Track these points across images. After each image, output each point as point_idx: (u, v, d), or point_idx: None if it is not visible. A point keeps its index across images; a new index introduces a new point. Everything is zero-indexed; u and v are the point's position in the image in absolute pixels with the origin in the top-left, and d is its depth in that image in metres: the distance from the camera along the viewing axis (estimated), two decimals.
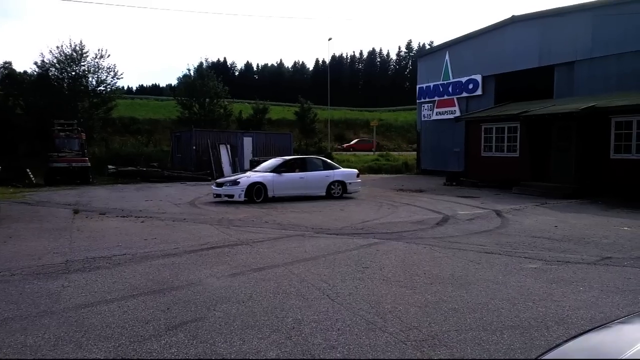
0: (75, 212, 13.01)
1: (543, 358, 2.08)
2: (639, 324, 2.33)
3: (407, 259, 7.50)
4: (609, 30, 19.97)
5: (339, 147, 48.93)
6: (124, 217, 12.09)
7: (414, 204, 14.94)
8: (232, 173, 28.19)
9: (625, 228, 10.31)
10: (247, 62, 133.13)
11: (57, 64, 34.25)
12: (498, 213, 12.66)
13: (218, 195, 15.68)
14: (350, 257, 7.63)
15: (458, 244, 8.66)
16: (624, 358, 1.86)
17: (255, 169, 17.38)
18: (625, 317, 2.48)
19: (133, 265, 7.09)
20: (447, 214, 12.46)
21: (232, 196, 15.16)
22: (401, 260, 7.36)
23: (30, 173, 23.06)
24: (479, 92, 26.33)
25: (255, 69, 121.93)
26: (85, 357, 3.95)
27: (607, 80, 19.82)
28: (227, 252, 7.98)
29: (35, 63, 35.05)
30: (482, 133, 21.30)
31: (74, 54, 34.27)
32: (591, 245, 8.51)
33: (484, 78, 26.07)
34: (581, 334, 2.34)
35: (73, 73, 34.41)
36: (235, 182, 15.40)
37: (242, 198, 15.05)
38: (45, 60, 34.26)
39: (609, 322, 2.46)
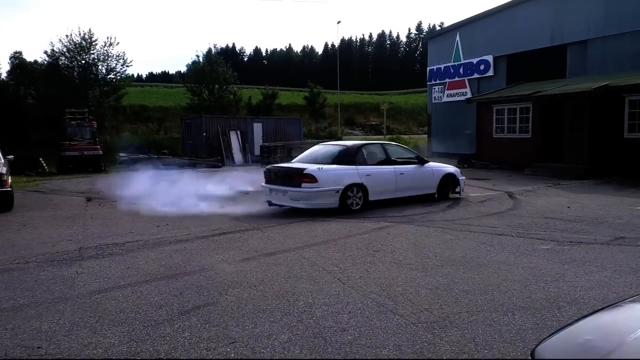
0: (88, 199, 13.14)
1: (552, 338, 2.07)
2: None
3: (418, 241, 7.49)
4: (622, 8, 19.54)
5: (350, 131, 48.80)
6: (135, 204, 12.16)
7: None
8: (243, 160, 28.22)
9: (639, 208, 10.20)
10: (256, 47, 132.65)
11: (66, 53, 34.37)
12: (510, 195, 12.57)
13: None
14: (361, 240, 7.64)
15: (469, 226, 8.62)
16: (635, 336, 1.84)
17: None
18: (637, 296, 2.46)
19: (145, 251, 7.16)
20: (459, 196, 12.40)
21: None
22: (412, 243, 7.36)
23: (43, 162, 23.32)
24: (490, 72, 25.98)
25: (264, 54, 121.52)
26: (91, 355, 4.01)
27: (621, 58, 19.44)
28: (238, 238, 8.03)
29: (45, 52, 35.29)
30: (494, 114, 21.09)
31: (83, 42, 34.35)
32: (604, 226, 8.44)
33: (495, 59, 25.71)
34: (592, 313, 2.33)
35: (83, 61, 34.52)
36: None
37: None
38: (55, 49, 34.42)
39: (620, 301, 2.45)
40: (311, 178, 9.80)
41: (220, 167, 25.43)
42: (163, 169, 23.46)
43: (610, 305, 2.43)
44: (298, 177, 9.90)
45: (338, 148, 11.20)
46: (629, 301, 2.38)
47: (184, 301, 4.94)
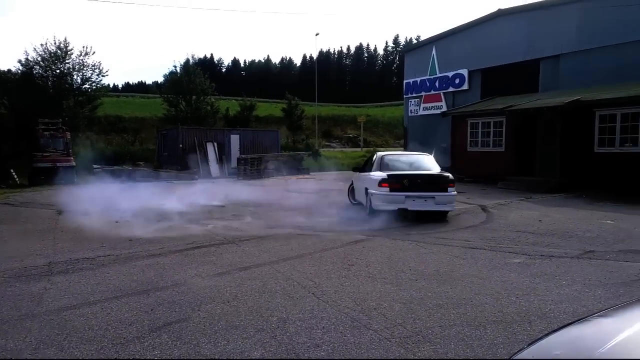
0: (59, 212, 12.88)
1: (522, 353, 2.09)
2: (619, 317, 2.35)
3: (393, 255, 7.52)
4: (593, 24, 20.11)
5: (327, 143, 48.95)
6: (107, 217, 11.97)
7: None
8: (220, 172, 28.02)
9: (609, 222, 10.43)
10: (234, 58, 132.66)
11: (41, 62, 33.85)
12: (483, 208, 12.73)
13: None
14: (336, 254, 7.64)
15: (444, 240, 8.70)
16: (602, 351, 1.87)
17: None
18: (606, 310, 2.50)
19: (117, 266, 7.04)
20: None
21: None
22: (387, 257, 7.38)
23: (14, 173, 22.79)
24: (465, 86, 26.42)
25: (242, 65, 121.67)
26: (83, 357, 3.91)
27: (592, 73, 19.95)
28: (213, 252, 7.95)
29: (20, 61, 34.57)
30: (469, 128, 21.41)
31: (59, 51, 33.88)
32: (574, 240, 8.60)
33: (470, 72, 26.16)
34: (562, 328, 2.36)
35: (58, 71, 34.03)
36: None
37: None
38: (30, 58, 33.86)
39: (589, 316, 2.48)
40: (454, 183, 10.90)
41: (196, 179, 25.20)
42: (138, 180, 23.18)
43: (579, 320, 2.47)
44: (443, 183, 10.81)
45: (429, 157, 12.20)
46: (597, 315, 2.41)
47: (155, 317, 4.86)
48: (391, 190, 10.72)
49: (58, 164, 23.02)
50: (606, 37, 19.59)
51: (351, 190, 14.02)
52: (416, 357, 3.90)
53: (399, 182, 10.80)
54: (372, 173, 11.57)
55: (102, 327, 4.60)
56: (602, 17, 19.67)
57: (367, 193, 11.46)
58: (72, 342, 4.25)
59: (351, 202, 13.85)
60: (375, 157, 12.51)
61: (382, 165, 11.64)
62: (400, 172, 11.17)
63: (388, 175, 10.89)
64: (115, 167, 25.98)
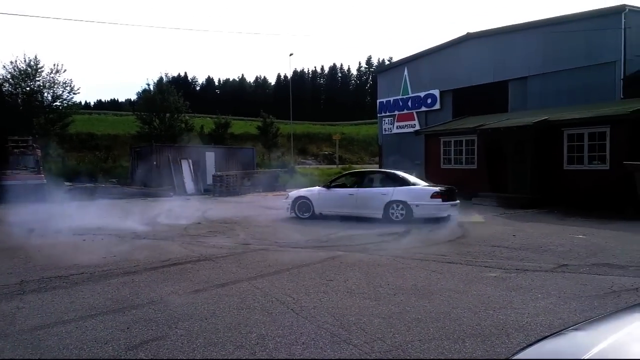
0: (31, 230, 12.55)
1: None
2: (594, 329, 2.40)
3: (371, 270, 7.55)
4: (558, 47, 20.83)
5: (303, 160, 49.04)
6: (81, 235, 11.74)
7: None
8: (195, 189, 27.83)
9: (581, 236, 10.67)
10: (209, 76, 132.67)
11: (10, 80, 33.33)
12: (459, 223, 12.89)
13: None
14: (314, 270, 7.62)
15: (421, 254, 8.77)
16: None
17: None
18: (580, 323, 2.56)
19: (91, 284, 6.89)
20: (410, 226, 12.61)
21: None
22: (365, 272, 7.40)
23: None
24: (437, 106, 26.93)
25: (216, 83, 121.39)
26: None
27: (559, 94, 20.62)
28: (189, 269, 7.85)
29: None
30: (441, 146, 21.74)
31: (29, 69, 33.45)
32: (548, 254, 8.77)
33: (441, 93, 26.70)
34: (538, 341, 2.41)
35: (28, 88, 33.54)
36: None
37: (289, 213, 14.68)
38: None
39: (565, 329, 2.54)
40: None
41: (171, 196, 24.90)
42: (111, 198, 22.80)
43: (555, 333, 2.52)
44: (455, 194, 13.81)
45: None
46: (572, 329, 2.46)
47: (132, 336, 4.76)
48: (443, 201, 12.98)
49: (29, 182, 22.49)
50: (572, 59, 20.31)
51: (299, 206, 14.74)
52: (410, 358, 3.92)
53: (446, 194, 13.16)
54: (415, 187, 13.50)
55: (77, 347, 4.49)
56: (567, 41, 20.43)
57: (396, 204, 13.13)
58: None
59: (298, 216, 14.66)
60: (385, 174, 14.69)
61: (411, 181, 13.85)
62: (443, 187, 13.59)
63: (441, 189, 13.23)
64: (88, 185, 25.50)
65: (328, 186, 14.55)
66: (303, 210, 14.51)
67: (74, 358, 3.73)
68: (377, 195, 13.45)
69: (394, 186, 13.40)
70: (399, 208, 13.07)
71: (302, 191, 15.15)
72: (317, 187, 15.01)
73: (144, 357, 4.22)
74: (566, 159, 16.76)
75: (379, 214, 13.29)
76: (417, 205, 12.85)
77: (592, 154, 16.04)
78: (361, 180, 14.49)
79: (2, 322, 5.23)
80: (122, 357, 4.23)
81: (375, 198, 13.43)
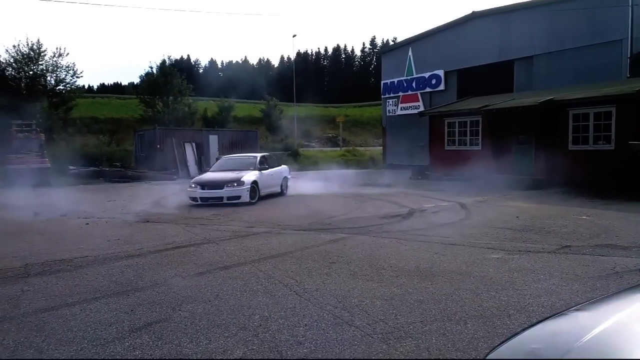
0: (35, 214, 12.64)
1: (501, 347, 2.11)
2: (596, 310, 2.39)
3: (374, 252, 7.56)
4: (564, 26, 20.54)
5: (306, 143, 48.93)
6: (85, 218, 11.80)
7: (380, 198, 15.07)
8: (199, 172, 27.86)
9: (584, 217, 10.64)
10: (212, 59, 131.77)
11: (14, 64, 33.27)
12: (462, 205, 12.88)
13: (204, 200, 14.08)
14: (317, 252, 7.64)
15: (424, 237, 8.77)
16: (579, 344, 1.90)
17: (211, 170, 16.52)
18: (582, 303, 2.55)
19: (95, 267, 6.94)
20: (413, 207, 12.61)
21: (237, 197, 13.89)
22: (368, 254, 7.42)
23: None
24: (441, 87, 26.71)
25: (219, 66, 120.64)
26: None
27: (564, 73, 20.39)
28: (192, 252, 7.89)
29: None
30: (446, 127, 21.62)
31: (32, 53, 33.37)
32: (551, 235, 8.75)
33: (446, 73, 26.45)
34: (540, 322, 2.40)
35: (31, 72, 33.47)
36: (240, 182, 14.06)
37: (248, 199, 14.06)
38: (1, 59, 33.27)
39: (567, 310, 2.53)
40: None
41: (175, 179, 24.96)
42: (115, 181, 22.87)
43: (557, 314, 2.51)
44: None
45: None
46: (574, 309, 2.45)
47: (135, 318, 4.80)
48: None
49: (32, 166, 22.57)
50: (577, 38, 20.04)
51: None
52: (397, 352, 3.93)
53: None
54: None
55: (81, 329, 4.53)
56: (573, 19, 20.13)
57: None
58: (51, 344, 4.18)
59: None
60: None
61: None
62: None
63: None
64: (92, 168, 25.59)
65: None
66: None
67: (75, 358, 3.74)
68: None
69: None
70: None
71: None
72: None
73: (148, 339, 4.25)
74: (571, 139, 16.63)
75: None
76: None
77: (597, 134, 15.91)
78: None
79: (7, 304, 5.28)
80: (126, 339, 4.27)
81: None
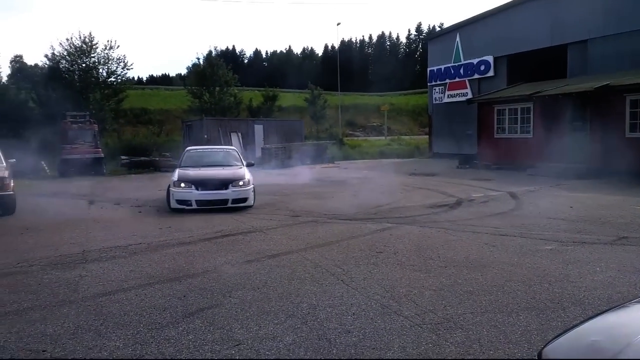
0: (91, 202, 13.15)
1: (559, 339, 2.06)
2: None
3: (421, 242, 7.49)
4: (621, 8, 19.58)
5: (350, 132, 48.79)
6: (138, 206, 12.18)
7: (427, 187, 14.88)
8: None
9: None
10: (256, 49, 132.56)
11: (67, 56, 34.48)
12: (512, 195, 12.56)
13: (201, 203, 11.04)
14: (364, 242, 7.63)
15: (472, 227, 8.62)
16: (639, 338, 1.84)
17: (185, 165, 12.40)
18: None
19: (149, 254, 7.17)
20: (461, 197, 12.39)
21: (244, 200, 11.27)
22: (415, 244, 7.35)
23: (44, 165, 23.30)
24: (490, 73, 26.01)
25: (264, 55, 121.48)
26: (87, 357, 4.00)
27: (621, 58, 19.45)
28: (241, 240, 8.03)
29: (46, 56, 35.39)
30: (495, 115, 21.08)
31: (84, 45, 34.44)
32: (607, 226, 8.42)
33: (495, 59, 25.74)
34: (599, 314, 2.32)
35: (83, 65, 34.61)
36: (246, 181, 11.43)
37: (253, 202, 11.57)
38: (56, 52, 34.57)
39: (626, 302, 2.44)
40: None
41: None
42: (165, 171, 23.47)
43: (616, 306, 2.43)
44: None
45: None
46: (634, 302, 2.37)
47: (188, 303, 4.94)
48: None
49: (87, 156, 23.45)
50: (633, 21, 19.05)
51: None
52: (447, 344, 3.89)
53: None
54: None
55: (137, 313, 4.70)
56: (630, 1, 19.13)
57: None
58: (109, 327, 4.35)
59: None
60: None
61: None
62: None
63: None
64: (142, 158, 26.35)
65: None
66: None
67: (78, 358, 3.86)
68: None
69: None
70: None
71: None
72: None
73: (200, 324, 4.36)
74: (628, 126, 15.92)
75: None
76: None
77: None
78: None
79: (67, 289, 5.52)
80: (180, 324, 4.40)
81: None
